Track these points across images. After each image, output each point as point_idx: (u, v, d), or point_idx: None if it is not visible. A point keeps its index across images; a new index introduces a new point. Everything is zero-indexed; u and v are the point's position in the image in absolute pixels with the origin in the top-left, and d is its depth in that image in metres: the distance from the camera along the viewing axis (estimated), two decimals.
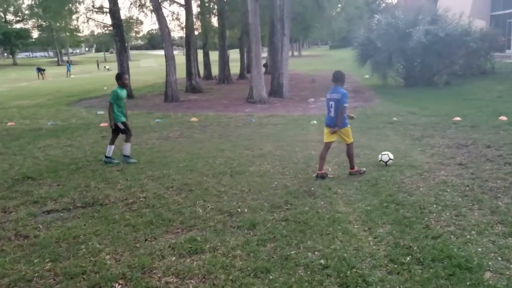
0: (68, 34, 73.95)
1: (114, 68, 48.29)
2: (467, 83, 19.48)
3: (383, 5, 72.54)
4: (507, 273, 3.77)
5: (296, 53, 72.80)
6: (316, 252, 4.27)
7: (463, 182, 6.30)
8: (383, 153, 7.55)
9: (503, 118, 11.42)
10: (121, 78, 8.30)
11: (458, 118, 11.79)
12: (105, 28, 28.72)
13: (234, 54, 40.99)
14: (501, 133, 9.78)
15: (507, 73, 21.44)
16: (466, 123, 11.20)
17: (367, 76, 25.50)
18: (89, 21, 27.05)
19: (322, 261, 4.06)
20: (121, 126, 8.21)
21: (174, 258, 4.23)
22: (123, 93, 8.24)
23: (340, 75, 6.98)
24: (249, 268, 3.97)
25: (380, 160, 7.41)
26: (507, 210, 5.16)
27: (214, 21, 32.79)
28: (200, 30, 31.44)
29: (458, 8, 22.14)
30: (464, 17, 20.97)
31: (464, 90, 17.73)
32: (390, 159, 7.35)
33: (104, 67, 60.67)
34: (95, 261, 4.22)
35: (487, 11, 35.68)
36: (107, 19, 22.95)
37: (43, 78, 44.94)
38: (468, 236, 4.50)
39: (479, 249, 4.21)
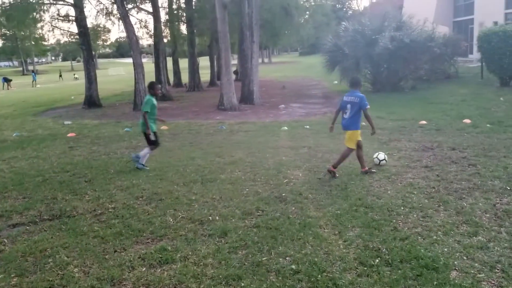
0: (33, 43, 72.42)
1: (82, 77, 47.56)
2: (432, 88, 20.01)
3: (350, 12, 73.91)
4: (472, 271, 3.88)
5: (266, 60, 73.24)
6: (287, 258, 4.29)
7: (429, 184, 6.46)
8: (379, 152, 7.91)
9: (467, 121, 11.79)
10: (154, 87, 8.27)
11: (424, 122, 12.10)
12: (72, 37, 28.22)
13: (204, 62, 40.94)
14: (465, 135, 10.09)
15: (470, 77, 22.15)
16: (432, 126, 11.51)
17: (336, 82, 25.89)
18: (55, 29, 26.58)
19: (293, 266, 4.09)
20: (152, 137, 8.16)
21: (144, 269, 4.18)
22: (155, 102, 8.18)
23: (356, 80, 7.53)
24: (220, 276, 3.96)
25: (375, 157, 7.73)
26: (471, 210, 5.32)
27: (183, 28, 32.72)
28: (169, 38, 31.29)
29: (422, 14, 22.75)
30: (428, 23, 21.57)
31: (429, 94, 18.21)
32: (384, 159, 7.68)
33: (74, 75, 59.18)
34: (63, 275, 4.12)
35: (449, 17, 36.83)
36: (74, 28, 22.58)
37: (8, 89, 43.75)
38: (435, 237, 4.62)
39: (445, 249, 4.32)
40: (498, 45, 17.21)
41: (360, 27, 21.59)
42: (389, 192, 6.21)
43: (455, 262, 4.04)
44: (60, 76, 59.34)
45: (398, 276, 3.84)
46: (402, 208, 5.54)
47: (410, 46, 19.34)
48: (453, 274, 3.85)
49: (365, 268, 4.02)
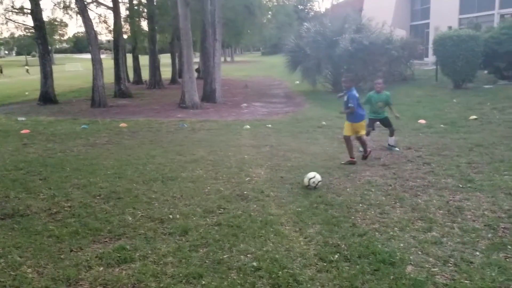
0: None
1: (32, 72, 45.67)
2: (389, 89, 20.30)
3: (312, 13, 74.84)
4: (427, 266, 4.00)
5: (228, 59, 73.11)
6: (248, 255, 4.29)
7: (386, 182, 6.64)
8: (310, 176, 6.44)
9: (422, 121, 12.20)
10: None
11: None
12: (27, 30, 27.12)
13: (165, 59, 40.45)
14: (420, 135, 10.43)
15: (425, 79, 22.90)
16: None
17: (297, 82, 26.17)
18: (9, 22, 25.46)
19: (254, 263, 4.09)
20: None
21: (102, 269, 4.07)
22: None
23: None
24: (181, 275, 3.91)
25: (311, 179, 6.38)
26: (426, 207, 5.50)
27: (144, 24, 32.16)
28: (129, 34, 30.69)
29: (381, 17, 23.36)
30: (386, 27, 22.18)
31: None
32: (319, 181, 6.38)
33: (27, 70, 56.04)
34: (16, 275, 3.95)
35: (407, 21, 37.97)
36: (29, 21, 21.71)
37: None
38: (391, 233, 4.74)
39: (401, 245, 4.44)
40: (452, 49, 17.88)
41: (322, 28, 21.94)
42: (348, 189, 6.34)
43: (411, 257, 4.16)
44: (2, 71, 54.32)
45: (357, 271, 3.91)
46: (360, 205, 5.66)
47: (369, 48, 19.81)
48: (409, 269, 3.96)
49: (325, 264, 4.07)
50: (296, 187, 6.49)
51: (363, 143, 8.10)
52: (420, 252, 4.27)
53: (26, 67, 56.50)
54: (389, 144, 9.11)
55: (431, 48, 21.94)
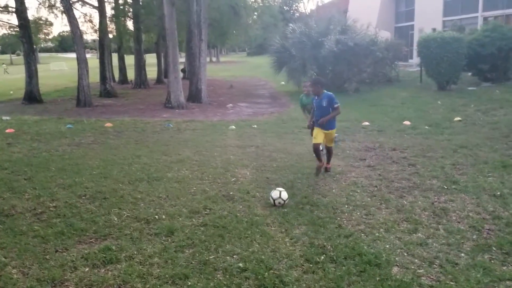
0: None
1: (17, 72, 44.89)
2: (374, 90, 20.72)
3: (297, 14, 75.01)
4: (412, 267, 4.05)
5: (214, 59, 72.90)
6: (235, 256, 4.30)
7: (371, 183, 6.70)
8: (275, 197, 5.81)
9: (407, 122, 12.32)
10: None
11: (367, 123, 12.52)
12: (11, 29, 26.72)
13: (151, 59, 40.18)
14: (405, 136, 10.53)
15: (409, 81, 23.13)
16: (374, 127, 11.93)
17: (283, 82, 26.22)
18: None
19: (240, 264, 4.10)
20: None
21: (87, 269, 4.04)
22: None
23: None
24: (167, 275, 3.90)
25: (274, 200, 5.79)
26: (411, 208, 5.57)
27: (130, 24, 31.89)
28: (114, 33, 30.41)
29: (366, 19, 23.53)
30: (371, 28, 22.33)
31: (372, 97, 18.85)
32: (280, 197, 5.76)
33: (5, 69, 53.60)
34: (0, 276, 3.90)
35: (391, 23, 38.32)
36: (14, 19, 21.36)
37: None
38: (377, 234, 4.79)
39: (387, 246, 4.49)
40: (436, 50, 18.09)
41: (307, 29, 21.98)
42: (333, 190, 6.38)
43: (397, 258, 4.21)
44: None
45: (343, 273, 3.94)
46: (346, 206, 5.70)
47: (354, 49, 19.92)
48: (395, 270, 4.01)
49: (311, 265, 4.10)
50: (282, 187, 6.48)
51: (331, 154, 7.55)
52: (405, 254, 4.32)
53: (4, 65, 54.74)
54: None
55: (416, 50, 22.19)
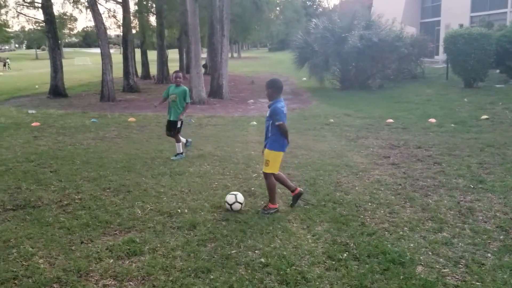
0: None
1: (42, 66, 45.71)
2: (398, 87, 20.45)
3: (320, 9, 74.50)
4: (437, 266, 3.97)
5: (235, 55, 73.04)
6: (256, 251, 4.29)
7: (395, 181, 6.60)
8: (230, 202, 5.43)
9: (432, 120, 12.12)
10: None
11: (391, 120, 12.36)
12: (37, 24, 27.17)
13: (173, 54, 40.47)
14: (430, 134, 10.36)
15: (435, 78, 22.76)
16: (398, 125, 11.77)
17: (304, 78, 26.10)
18: (20, 16, 25.49)
19: (262, 260, 4.09)
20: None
21: (112, 261, 4.09)
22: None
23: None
24: (189, 269, 3.92)
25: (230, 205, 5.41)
26: (436, 207, 5.46)
27: (152, 20, 32.19)
28: (137, 29, 30.73)
29: (391, 14, 23.23)
30: (396, 24, 22.04)
31: (396, 93, 18.61)
32: (236, 201, 5.39)
33: (5, 64, 53.24)
34: (28, 266, 3.98)
35: (417, 18, 37.70)
36: (39, 15, 21.71)
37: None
38: (401, 232, 4.71)
39: (411, 245, 4.41)
40: (463, 47, 17.74)
41: (330, 24, 21.83)
42: (356, 188, 6.31)
43: (421, 257, 4.13)
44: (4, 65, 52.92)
45: (366, 271, 3.89)
46: (369, 204, 5.63)
47: (378, 45, 19.70)
48: (419, 269, 3.93)
49: (333, 262, 4.06)
50: (304, 184, 6.47)
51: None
52: (430, 253, 4.24)
53: (8, 60, 54.47)
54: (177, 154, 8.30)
55: (442, 46, 21.79)
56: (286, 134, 5.45)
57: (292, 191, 5.60)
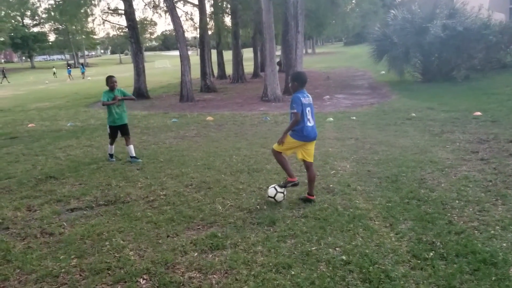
0: (84, 36, 75.04)
1: (125, 70, 48.47)
2: (486, 78, 19.16)
3: (398, 0, 71.77)
4: None
5: (309, 51, 72.52)
6: (337, 248, 4.24)
7: (485, 178, 6.20)
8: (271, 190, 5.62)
9: None
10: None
11: (479, 113, 11.62)
12: (120, 30, 28.94)
13: (247, 53, 41.02)
14: None
15: None
16: (487, 118, 11.03)
17: (383, 72, 25.31)
18: (105, 23, 27.22)
19: (343, 257, 4.03)
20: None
21: (196, 254, 4.25)
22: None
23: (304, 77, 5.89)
24: (270, 264, 3.96)
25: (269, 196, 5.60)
26: None
27: (227, 20, 32.88)
28: (213, 30, 31.55)
29: (477, 1, 21.78)
30: (483, 10, 20.63)
31: (484, 85, 17.46)
32: (278, 192, 5.55)
33: (54, 73, 53.88)
34: (120, 257, 4.26)
35: (506, 3, 34.95)
36: (122, 21, 23.14)
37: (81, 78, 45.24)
38: (492, 232, 4.42)
39: (504, 244, 4.13)
40: None
41: (410, 15, 20.99)
42: (442, 185, 6.00)
43: None
44: (55, 73, 53.61)
45: (454, 271, 3.70)
46: (457, 201, 5.34)
47: (463, 34, 18.60)
48: None
49: (419, 262, 3.90)
50: (385, 181, 6.28)
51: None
52: None
53: (54, 69, 55.83)
54: (130, 156, 8.35)
55: None
56: (294, 123, 5.46)
57: (290, 177, 5.68)
